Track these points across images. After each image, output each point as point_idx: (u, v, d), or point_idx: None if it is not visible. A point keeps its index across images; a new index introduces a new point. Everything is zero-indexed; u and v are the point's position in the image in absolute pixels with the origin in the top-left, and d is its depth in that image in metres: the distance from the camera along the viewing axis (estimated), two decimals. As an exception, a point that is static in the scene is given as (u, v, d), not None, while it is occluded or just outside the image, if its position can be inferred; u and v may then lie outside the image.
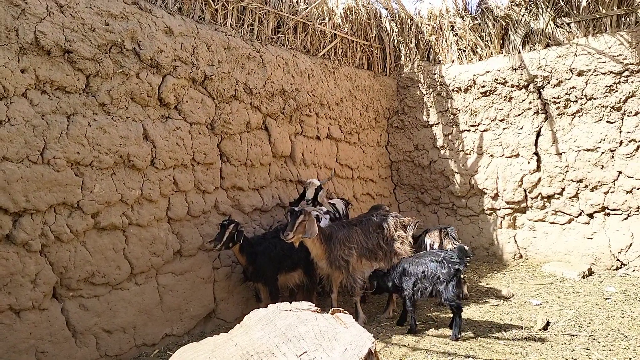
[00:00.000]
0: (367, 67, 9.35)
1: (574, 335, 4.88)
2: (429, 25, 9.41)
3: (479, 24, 8.73)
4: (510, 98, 8.30)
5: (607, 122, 7.41)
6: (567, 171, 7.78)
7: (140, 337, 4.90)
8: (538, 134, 8.11)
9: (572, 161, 7.72)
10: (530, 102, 8.11)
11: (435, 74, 9.23)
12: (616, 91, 7.28)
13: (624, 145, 7.27)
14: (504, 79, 8.28)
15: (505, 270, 7.90)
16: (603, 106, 7.41)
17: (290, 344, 2.60)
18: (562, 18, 7.86)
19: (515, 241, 8.45)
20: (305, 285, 6.07)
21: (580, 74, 7.54)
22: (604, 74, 7.34)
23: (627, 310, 5.59)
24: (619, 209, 7.34)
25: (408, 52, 9.68)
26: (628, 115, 7.24)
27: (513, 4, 8.27)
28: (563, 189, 7.86)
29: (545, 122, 8.04)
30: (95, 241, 4.57)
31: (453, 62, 9.12)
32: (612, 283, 6.68)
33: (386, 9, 9.76)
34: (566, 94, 7.71)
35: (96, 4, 4.52)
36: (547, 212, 8.09)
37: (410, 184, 9.76)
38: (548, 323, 5.23)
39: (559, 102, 7.81)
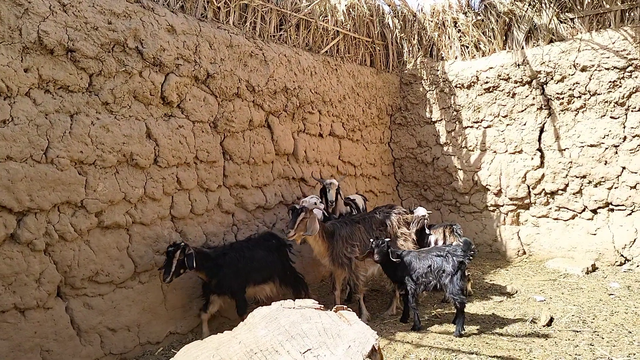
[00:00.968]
0: (369, 64, 9.33)
1: (577, 331, 4.88)
2: (431, 21, 9.38)
3: (482, 20, 8.69)
4: (514, 94, 8.28)
5: (611, 117, 7.38)
6: (570, 167, 7.76)
7: (145, 335, 4.92)
8: (541, 130, 8.08)
9: (575, 157, 7.69)
10: (534, 98, 8.08)
11: (438, 70, 9.20)
12: (620, 86, 7.25)
13: (627, 141, 7.24)
14: (507, 75, 8.25)
15: (508, 266, 7.89)
16: (607, 102, 7.38)
17: (294, 341, 2.61)
18: (566, 13, 7.82)
19: (519, 237, 8.44)
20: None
21: (583, 69, 7.51)
22: (608, 69, 7.30)
23: (631, 306, 5.57)
24: (623, 205, 7.31)
25: (411, 48, 9.66)
26: (632, 111, 7.20)
27: (516, -1, 8.24)
28: (567, 185, 7.83)
29: (548, 118, 8.01)
30: (99, 240, 4.59)
31: (456, 58, 9.09)
32: (616, 279, 6.66)
33: (389, 6, 9.74)
34: (570, 89, 7.68)
35: (99, 3, 4.53)
36: (550, 208, 8.07)
37: (413, 181, 9.76)
38: (552, 319, 5.22)
39: (563, 98, 7.78)
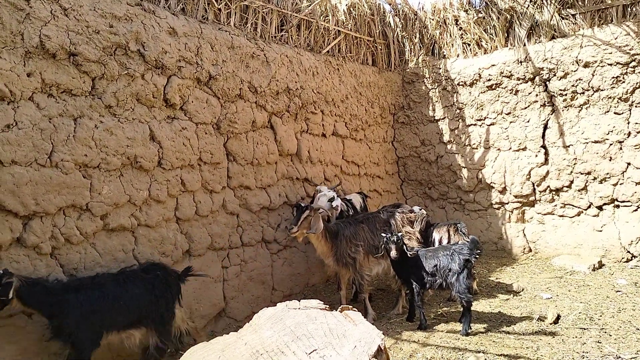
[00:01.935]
0: (371, 63, 9.32)
1: (585, 329, 4.85)
2: (432, 19, 9.36)
3: (483, 17, 8.67)
4: (517, 91, 8.25)
5: (615, 113, 7.34)
6: (575, 164, 7.72)
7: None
8: (545, 127, 8.05)
9: (580, 153, 7.66)
10: (537, 95, 8.05)
11: (440, 68, 9.18)
12: (623, 82, 7.21)
13: (632, 137, 7.20)
14: (510, 72, 8.23)
15: (514, 264, 7.87)
16: (610, 97, 7.35)
17: (299, 342, 2.60)
18: (567, 9, 7.78)
19: (524, 235, 8.41)
20: (155, 348, 4.39)
21: (586, 65, 7.47)
22: (611, 65, 7.27)
23: (639, 302, 5.54)
24: (629, 201, 7.27)
25: (412, 47, 9.64)
26: (636, 106, 7.16)
27: (517, -4, 8.21)
28: (571, 182, 7.80)
29: (552, 114, 7.98)
30: (105, 242, 4.60)
31: (458, 56, 9.07)
32: (622, 275, 6.63)
33: (389, 4, 9.72)
34: (573, 86, 7.65)
35: (100, 6, 4.54)
36: (555, 205, 8.04)
37: (417, 180, 9.74)
38: (559, 317, 5.20)
39: (566, 95, 7.75)
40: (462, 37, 9.00)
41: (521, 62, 8.09)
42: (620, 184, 7.34)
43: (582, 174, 7.67)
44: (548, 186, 8.03)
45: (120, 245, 4.72)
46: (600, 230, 7.55)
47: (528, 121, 8.19)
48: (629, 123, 7.22)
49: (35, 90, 4.10)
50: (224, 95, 5.85)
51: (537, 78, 7.99)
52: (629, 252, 7.21)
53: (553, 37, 7.91)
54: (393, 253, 5.11)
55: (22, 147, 3.96)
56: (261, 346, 2.63)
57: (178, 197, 5.34)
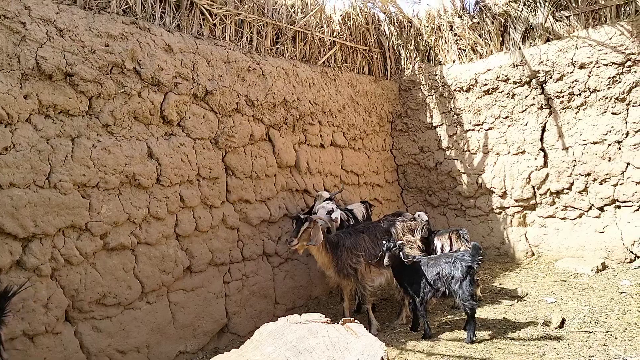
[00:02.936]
0: (367, 72, 9.35)
1: (590, 332, 4.82)
2: (427, 26, 9.40)
3: (478, 23, 8.70)
4: (513, 95, 8.26)
5: (612, 113, 7.34)
6: (574, 165, 7.71)
7: (154, 356, 4.91)
8: (543, 130, 8.05)
9: (579, 155, 7.65)
10: (534, 98, 8.06)
11: (436, 75, 9.21)
12: (619, 82, 7.22)
13: (630, 136, 7.19)
14: (506, 76, 8.24)
15: (517, 268, 7.83)
16: (607, 98, 7.35)
17: (301, 357, 2.59)
18: (561, 11, 7.81)
19: (527, 239, 8.38)
20: None
21: (582, 66, 7.49)
22: (606, 65, 7.28)
23: (644, 303, 5.52)
24: (630, 201, 7.25)
25: (408, 54, 9.68)
26: (633, 106, 7.16)
27: (511, 0, 8.24)
28: (572, 184, 7.78)
29: (549, 117, 7.98)
30: (105, 262, 4.60)
31: (454, 62, 9.10)
32: (626, 276, 6.59)
33: (384, 13, 9.77)
34: (569, 87, 7.66)
35: (95, 26, 4.57)
36: (557, 208, 8.01)
37: (417, 187, 9.73)
38: (564, 321, 5.16)
39: (563, 96, 7.75)
40: (457, 42, 9.03)
41: (517, 65, 8.12)
42: (621, 184, 7.32)
43: (582, 175, 7.66)
44: (548, 189, 8.01)
45: (120, 265, 4.71)
46: (603, 232, 7.52)
47: (526, 124, 8.20)
48: (626, 123, 7.22)
49: (32, 112, 4.12)
50: (221, 109, 5.86)
51: (533, 81, 8.01)
52: (632, 252, 7.17)
53: (548, 40, 7.93)
54: (385, 260, 5.10)
55: (20, 169, 3.97)
56: (263, 363, 2.61)
57: (177, 213, 5.33)
